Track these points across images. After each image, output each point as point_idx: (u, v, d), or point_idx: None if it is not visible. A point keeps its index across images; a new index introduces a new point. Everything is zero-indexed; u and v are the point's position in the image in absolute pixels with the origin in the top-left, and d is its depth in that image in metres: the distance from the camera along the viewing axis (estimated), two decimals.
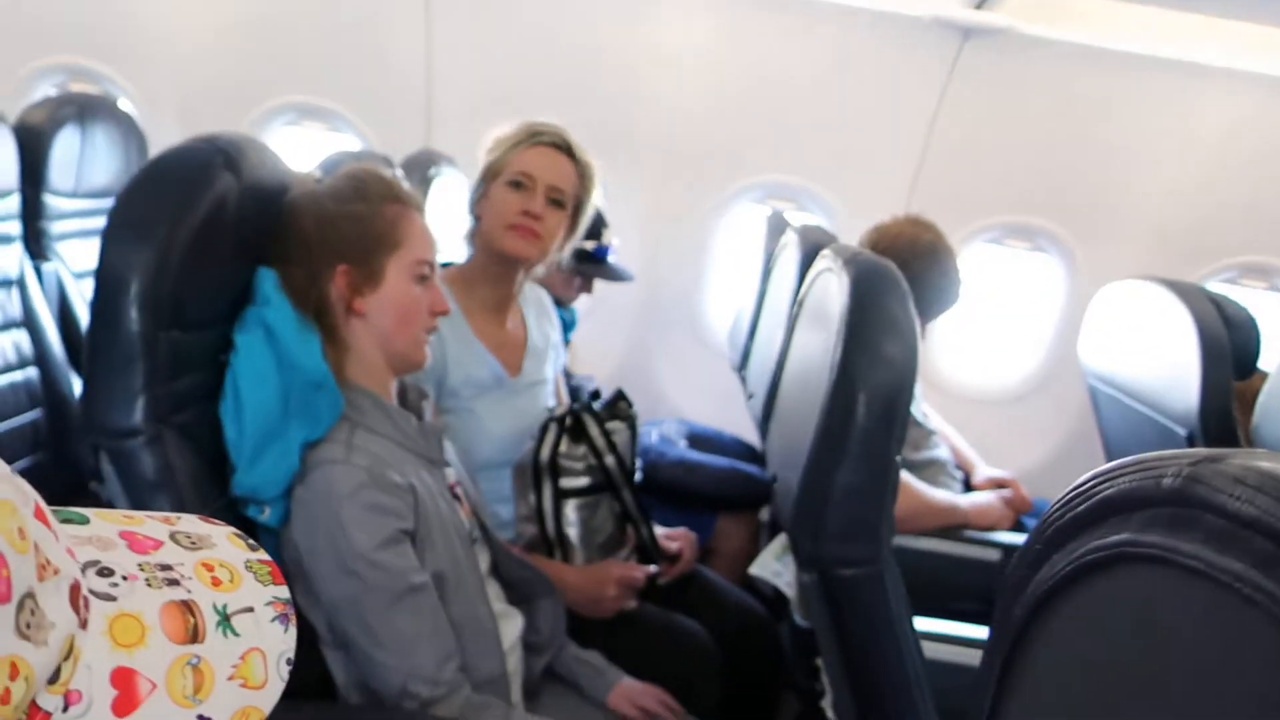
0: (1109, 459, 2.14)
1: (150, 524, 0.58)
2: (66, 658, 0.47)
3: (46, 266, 2.44)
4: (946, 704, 1.32)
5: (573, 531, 1.81)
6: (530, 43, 3.35)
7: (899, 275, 1.35)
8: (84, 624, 0.49)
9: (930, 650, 1.42)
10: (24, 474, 0.50)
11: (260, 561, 0.59)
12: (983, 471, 2.56)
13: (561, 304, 2.34)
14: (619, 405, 1.93)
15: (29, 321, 2.24)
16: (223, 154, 1.29)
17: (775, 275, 2.30)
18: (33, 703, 0.46)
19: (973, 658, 1.62)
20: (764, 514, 2.78)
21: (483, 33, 3.36)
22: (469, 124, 2.89)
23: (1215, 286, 3.24)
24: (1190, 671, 0.43)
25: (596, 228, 2.43)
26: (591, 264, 2.51)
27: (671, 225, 3.53)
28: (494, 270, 1.85)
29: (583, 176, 1.84)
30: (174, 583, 0.54)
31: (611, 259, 2.58)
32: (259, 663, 0.54)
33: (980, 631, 1.67)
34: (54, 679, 0.47)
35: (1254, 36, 2.94)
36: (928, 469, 2.39)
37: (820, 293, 1.49)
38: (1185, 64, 3.02)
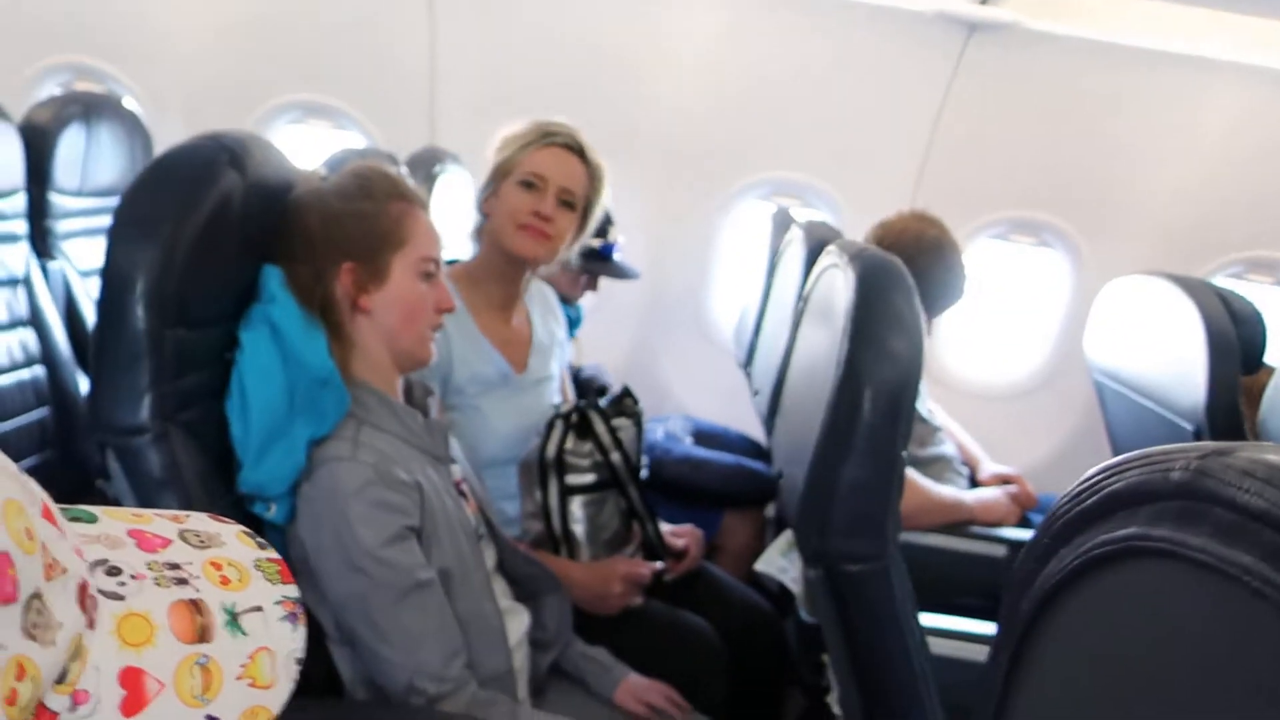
0: (1115, 454, 2.13)
1: (159, 522, 0.58)
2: (74, 657, 0.47)
3: (52, 265, 2.45)
4: (952, 699, 1.32)
5: (579, 528, 1.81)
6: (534, 40, 3.35)
7: (904, 271, 1.35)
8: (92, 624, 0.49)
9: (936, 646, 1.41)
10: (31, 472, 0.50)
11: (269, 560, 0.59)
12: (988, 467, 2.55)
13: (567, 301, 2.34)
14: (625, 402, 1.92)
15: (35, 320, 2.24)
16: (228, 152, 1.29)
17: (780, 271, 2.30)
18: (40, 703, 0.46)
19: (978, 653, 1.62)
20: (769, 510, 2.79)
21: (487, 31, 3.36)
22: (473, 122, 2.90)
23: (1221, 282, 3.23)
24: (1198, 665, 0.43)
25: (603, 226, 2.43)
26: (597, 262, 2.51)
27: (676, 222, 3.53)
28: (501, 268, 1.85)
29: (593, 178, 1.84)
30: (182, 582, 0.54)
31: (617, 256, 2.58)
32: (268, 662, 0.54)
33: (986, 627, 1.67)
34: (61, 679, 0.47)
35: (1260, 30, 2.93)
36: (933, 465, 2.39)
37: (826, 289, 1.49)
38: (1191, 58, 3.02)
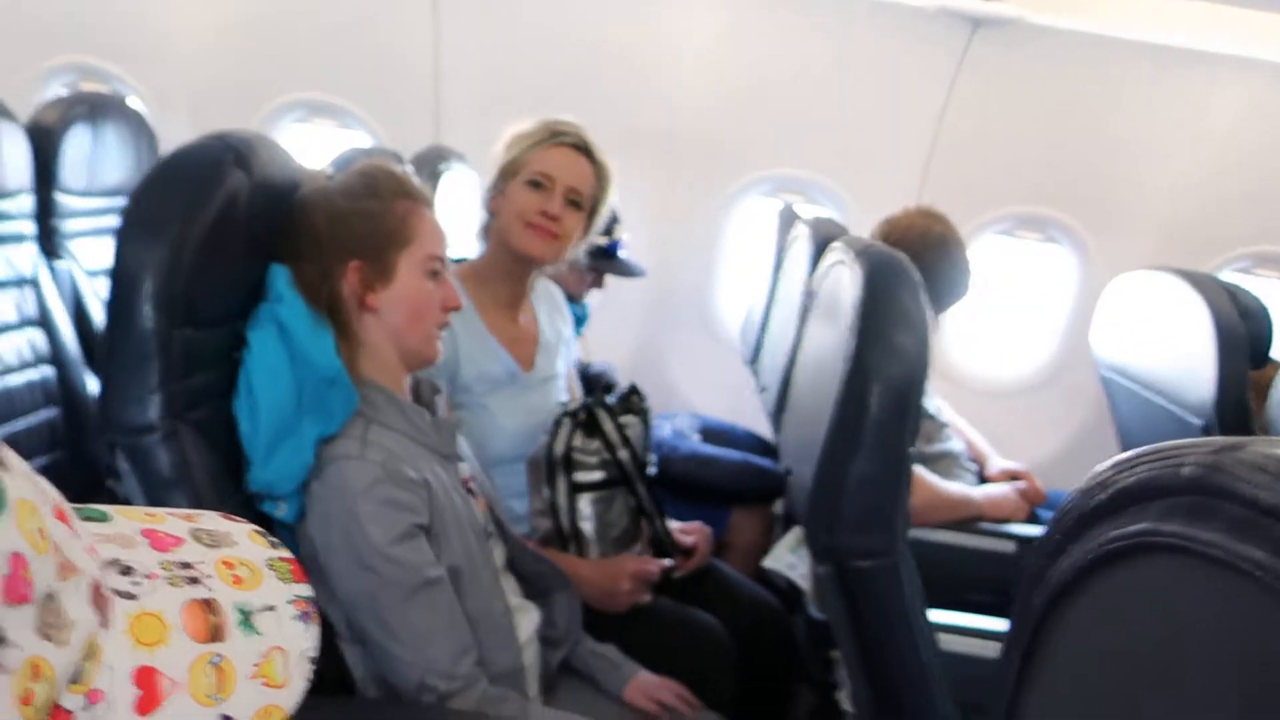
0: (1123, 450, 2.13)
1: (171, 521, 0.58)
2: (88, 657, 0.47)
3: (60, 265, 2.45)
4: (962, 695, 1.32)
5: (587, 526, 1.81)
6: (538, 39, 3.35)
7: (911, 267, 1.35)
8: (106, 623, 0.49)
9: (945, 642, 1.41)
10: (41, 472, 0.50)
11: (282, 559, 0.59)
12: (996, 463, 2.55)
13: (574, 300, 2.34)
14: (632, 399, 1.93)
15: (44, 320, 2.25)
16: (233, 151, 1.29)
17: (786, 268, 2.30)
18: (55, 703, 0.46)
19: (988, 649, 1.62)
20: (777, 507, 2.78)
21: (491, 29, 3.36)
22: (478, 120, 2.90)
23: (1228, 276, 3.23)
24: (1210, 660, 0.43)
25: (609, 224, 2.43)
26: (603, 260, 2.51)
27: (682, 220, 3.53)
28: (508, 267, 1.85)
29: (600, 178, 1.85)
30: (195, 581, 0.54)
31: (623, 254, 2.59)
32: (281, 661, 0.54)
33: (995, 623, 1.67)
34: (76, 678, 0.47)
35: (1264, 24, 2.92)
36: (941, 461, 2.38)
37: (832, 285, 1.49)
38: (1196, 53, 3.01)
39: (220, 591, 0.54)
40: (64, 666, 0.46)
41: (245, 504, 1.33)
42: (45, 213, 2.39)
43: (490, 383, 1.82)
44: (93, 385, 2.30)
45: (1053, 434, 3.51)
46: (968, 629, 1.64)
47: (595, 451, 1.83)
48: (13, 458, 0.47)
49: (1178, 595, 0.45)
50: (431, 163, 2.47)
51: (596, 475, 1.83)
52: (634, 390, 1.95)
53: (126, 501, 1.27)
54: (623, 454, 1.84)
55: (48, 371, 2.23)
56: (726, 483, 2.73)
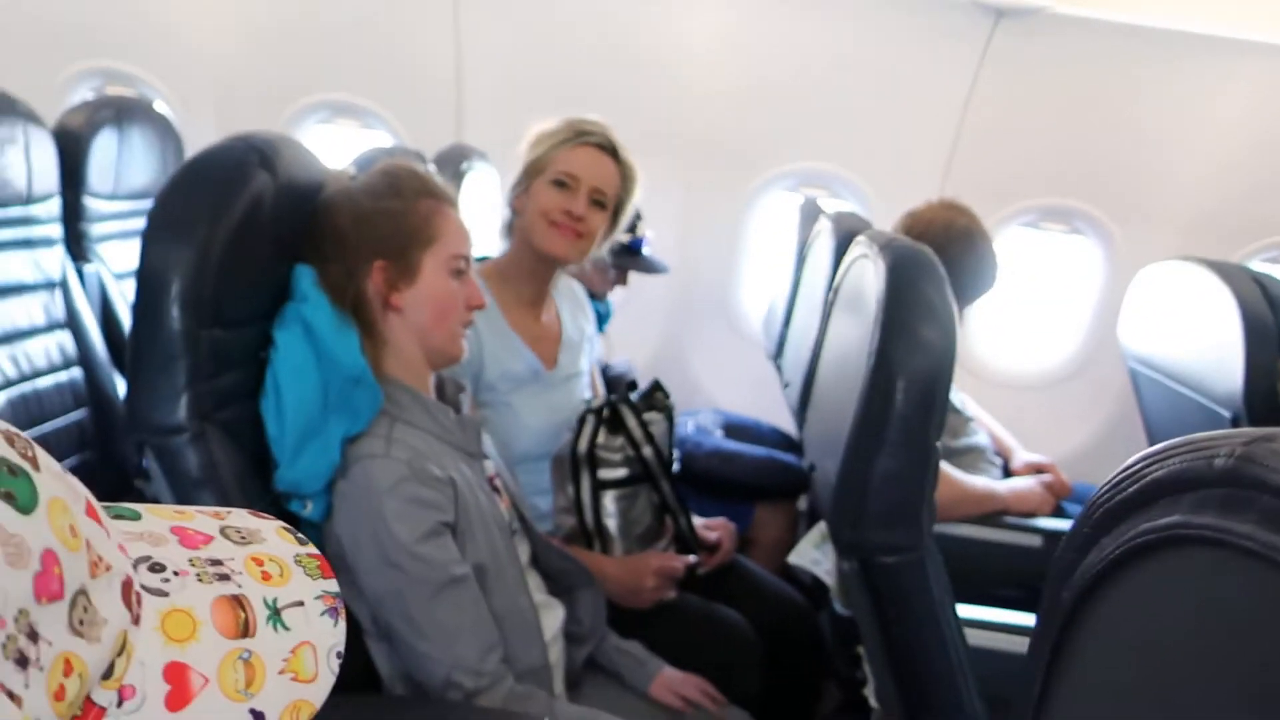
0: (1151, 442, 2.11)
1: (200, 519, 0.59)
2: (120, 653, 0.48)
3: (88, 268, 2.48)
4: (989, 691, 1.31)
5: (611, 523, 1.82)
6: (558, 37, 3.36)
7: (935, 261, 1.34)
8: (136, 620, 0.49)
9: (972, 637, 1.40)
10: (70, 473, 0.51)
11: (309, 556, 0.60)
12: (1021, 456, 2.53)
13: (596, 297, 2.34)
14: (656, 396, 1.93)
15: (72, 323, 2.27)
16: (258, 153, 1.30)
17: (809, 263, 2.29)
18: (87, 698, 0.46)
19: (1015, 644, 1.61)
20: (802, 503, 2.78)
21: (511, 29, 3.37)
22: (499, 119, 2.90)
23: (1257, 266, 3.19)
24: (1245, 653, 0.43)
25: (632, 221, 2.43)
26: (627, 256, 2.51)
27: (704, 215, 3.52)
28: (532, 266, 1.86)
29: (625, 177, 1.85)
30: (225, 578, 0.55)
31: (646, 251, 2.58)
32: (310, 656, 0.54)
33: (1022, 618, 1.66)
34: (108, 674, 0.47)
35: None
36: (967, 455, 2.37)
37: (856, 279, 1.48)
38: (1218, 39, 2.97)
39: (249, 587, 0.55)
40: (96, 662, 0.46)
41: (272, 503, 1.34)
42: (73, 216, 2.41)
43: (514, 381, 1.82)
44: (121, 387, 2.32)
45: (1079, 427, 3.48)
46: (994, 624, 1.63)
47: (619, 448, 1.83)
48: (44, 456, 0.47)
49: (1210, 588, 0.45)
50: (454, 162, 2.48)
51: (620, 472, 1.83)
52: (657, 387, 1.95)
53: (155, 501, 1.28)
54: (646, 451, 1.84)
55: (76, 374, 2.25)
56: (750, 479, 2.73)
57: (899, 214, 2.39)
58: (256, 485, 1.33)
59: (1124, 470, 0.51)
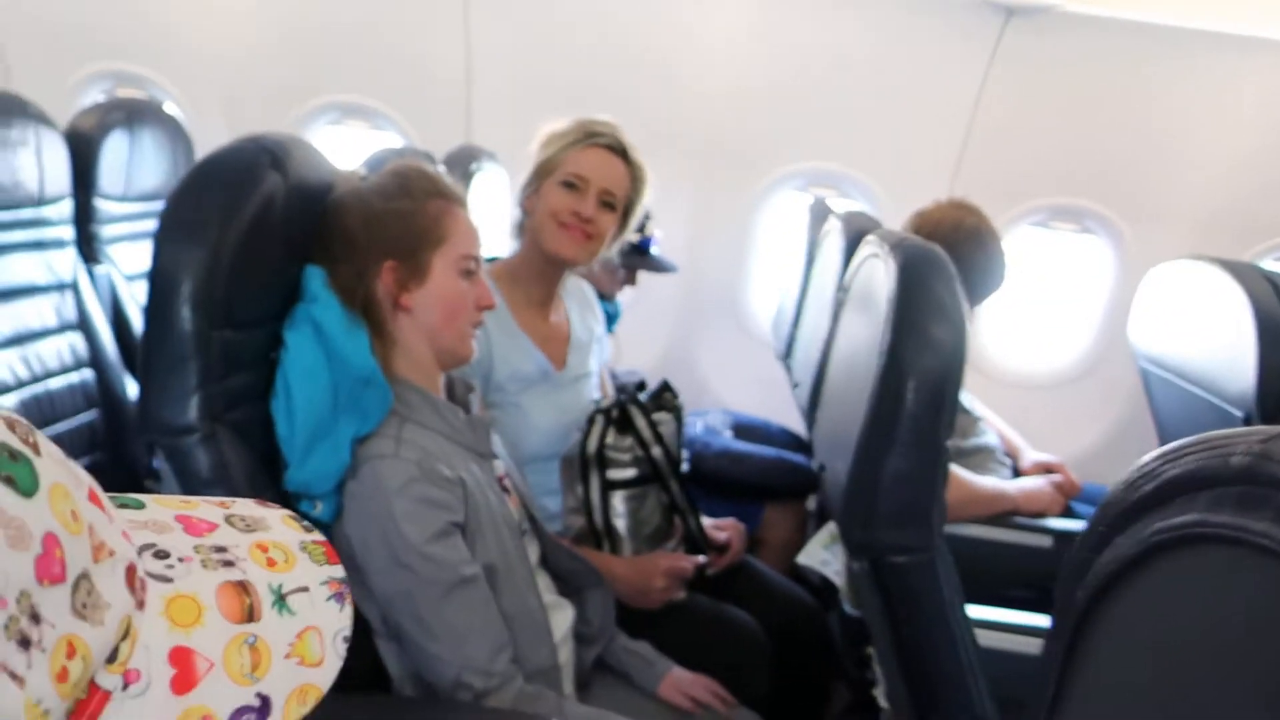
0: (1162, 442, 2.10)
1: (205, 508, 0.59)
2: (124, 638, 0.48)
3: (99, 269, 2.49)
4: (1000, 691, 1.31)
5: (620, 523, 1.82)
6: (567, 38, 3.36)
7: (946, 260, 1.34)
8: (141, 605, 0.50)
9: (982, 638, 1.40)
10: None
11: (315, 543, 0.60)
12: (1030, 456, 2.52)
13: (605, 298, 2.34)
14: (664, 396, 1.93)
15: (84, 324, 2.28)
16: (269, 154, 1.30)
17: (819, 262, 2.29)
18: (92, 681, 0.47)
19: (1025, 645, 1.60)
20: (811, 503, 2.78)
21: (520, 29, 3.37)
22: (509, 119, 2.91)
23: (1269, 265, 3.18)
24: (1262, 651, 0.42)
25: (640, 221, 2.43)
26: (636, 256, 2.51)
27: (713, 215, 3.52)
28: (541, 267, 1.86)
29: (635, 178, 1.84)
30: (229, 564, 0.55)
31: (655, 250, 2.59)
32: (316, 641, 0.54)
33: (1032, 618, 1.65)
34: (112, 658, 0.48)
35: None
36: (976, 456, 2.36)
37: (866, 279, 1.48)
38: (1228, 36, 2.96)
39: (254, 573, 0.55)
40: (99, 646, 0.46)
41: (283, 504, 1.34)
42: (84, 218, 2.42)
43: (523, 381, 1.82)
44: (131, 388, 2.33)
45: (1089, 427, 3.47)
46: (1005, 624, 1.63)
47: (628, 449, 1.83)
48: (45, 443, 0.48)
49: (1227, 586, 0.45)
50: (463, 162, 2.48)
51: (629, 472, 1.83)
52: (666, 387, 1.95)
53: None
54: (656, 451, 1.84)
55: (87, 375, 2.26)
56: (759, 479, 2.73)
57: (908, 213, 2.39)
58: (267, 485, 1.33)
59: (1139, 469, 0.51)
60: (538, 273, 1.87)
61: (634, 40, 3.31)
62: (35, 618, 0.43)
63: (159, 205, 2.63)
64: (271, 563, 0.56)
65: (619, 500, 1.81)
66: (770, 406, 3.27)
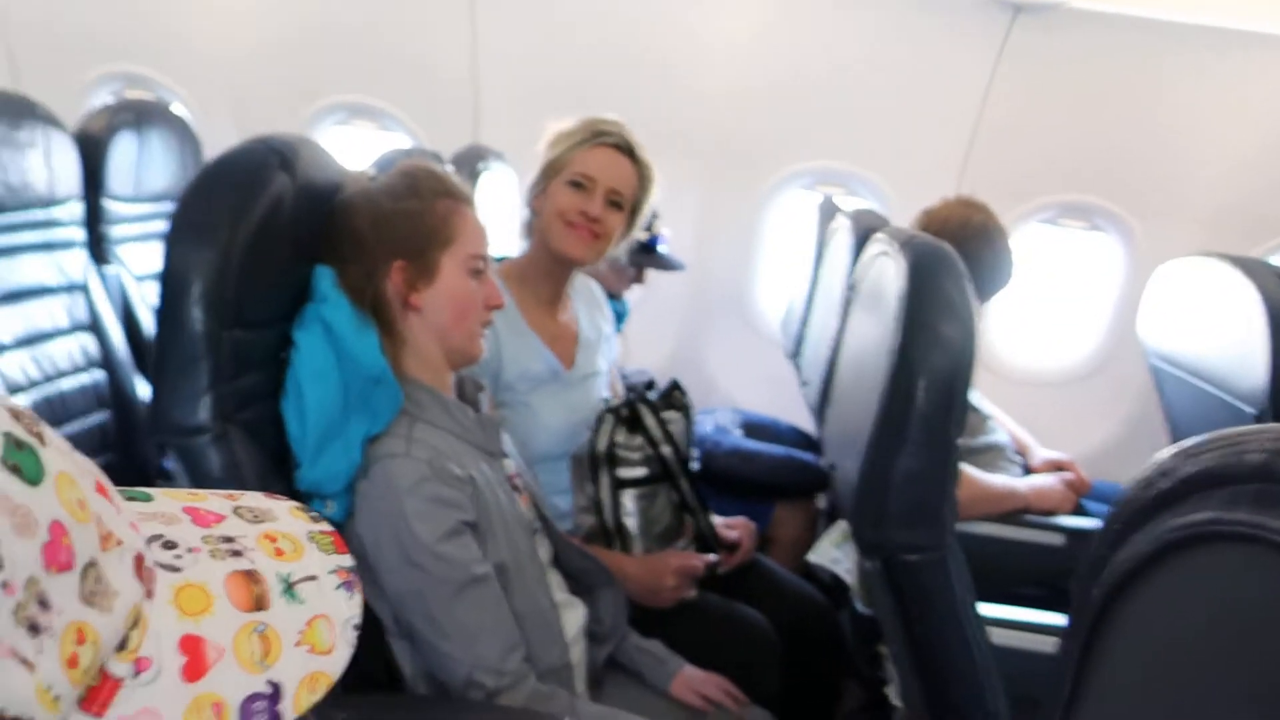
0: (1173, 439, 2.09)
1: (213, 500, 0.60)
2: (134, 626, 0.48)
3: (109, 270, 2.50)
4: (1013, 689, 1.31)
5: (631, 521, 1.82)
6: (573, 38, 3.36)
7: (956, 257, 1.34)
8: (150, 594, 0.50)
9: (994, 636, 1.40)
10: None
11: (323, 533, 0.60)
12: (1040, 454, 2.52)
13: (614, 296, 2.34)
14: (674, 395, 1.92)
15: (94, 325, 2.29)
16: (278, 155, 1.30)
17: (827, 260, 2.29)
18: (103, 669, 0.47)
19: (1038, 643, 1.60)
20: (821, 501, 2.77)
21: (527, 30, 3.38)
22: (516, 119, 2.91)
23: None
24: None
25: (648, 219, 2.42)
26: (644, 254, 2.51)
27: (721, 214, 3.52)
28: (549, 266, 1.86)
29: (642, 178, 1.84)
30: (237, 554, 0.55)
31: (662, 249, 2.58)
32: (325, 629, 0.55)
33: (1045, 616, 1.65)
34: (123, 646, 0.48)
35: None
36: (986, 454, 2.36)
37: (875, 277, 1.48)
38: (1237, 33, 2.95)
39: (262, 563, 0.55)
40: (109, 632, 0.47)
41: None
42: (94, 219, 2.43)
43: (532, 381, 1.82)
44: (142, 389, 2.34)
45: (1099, 425, 3.46)
46: (1017, 622, 1.62)
47: (638, 447, 1.83)
48: (51, 434, 0.48)
49: (1245, 584, 0.44)
50: (471, 162, 2.49)
51: (639, 471, 1.83)
52: (676, 386, 1.95)
53: None
54: (665, 450, 1.84)
55: (98, 375, 2.27)
56: (769, 478, 2.73)
57: (916, 211, 2.39)
58: (278, 485, 1.33)
59: (1155, 466, 0.50)
60: (546, 272, 1.87)
61: (642, 39, 3.31)
62: (44, 604, 0.43)
63: (168, 206, 2.65)
64: (280, 552, 0.57)
65: (629, 499, 1.81)
66: (779, 405, 3.27)
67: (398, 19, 3.42)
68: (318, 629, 0.54)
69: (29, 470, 0.44)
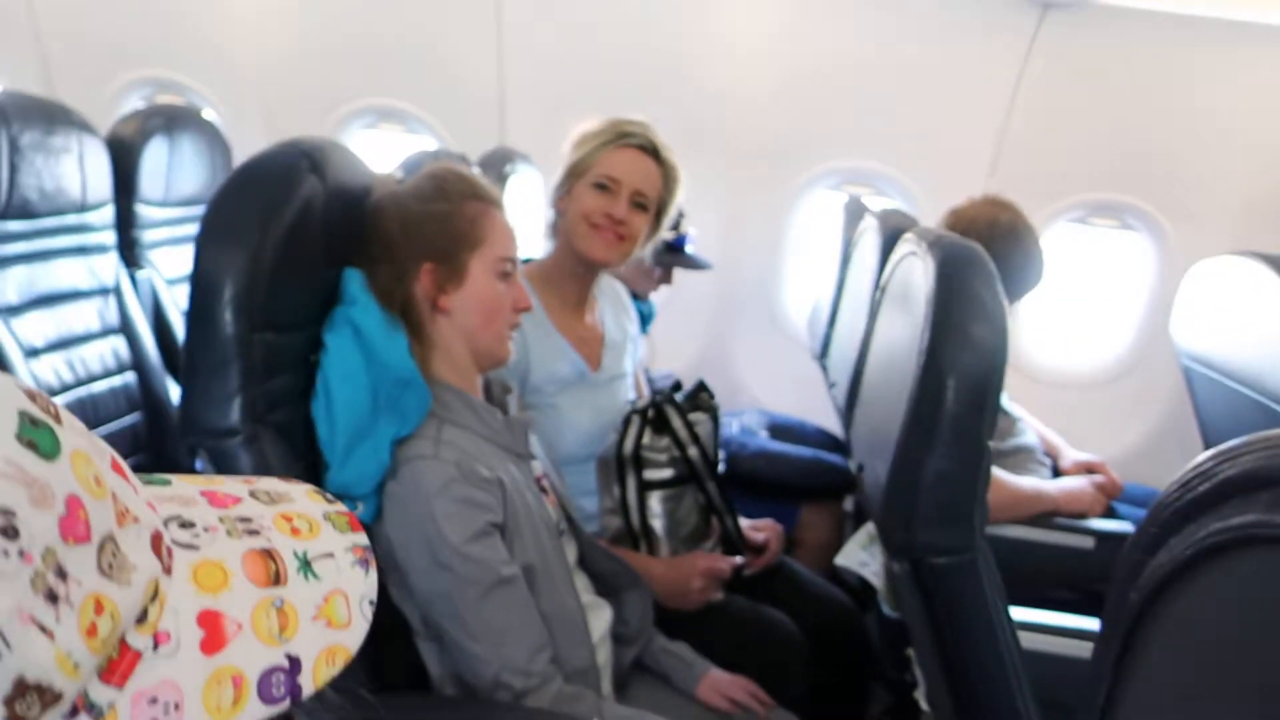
0: (1208, 442, 2.07)
1: (230, 484, 0.61)
2: (152, 601, 0.49)
3: (140, 274, 2.52)
4: (1043, 694, 1.29)
5: (657, 523, 1.81)
6: (599, 40, 3.37)
7: (986, 257, 1.33)
8: (168, 570, 0.51)
9: (1024, 640, 1.38)
10: None
11: (338, 513, 0.61)
12: (1070, 456, 2.49)
13: (638, 297, 2.34)
14: (700, 396, 1.92)
15: (126, 328, 2.31)
16: (307, 158, 1.31)
17: (855, 261, 2.28)
18: (123, 641, 0.48)
19: (1068, 647, 1.58)
20: (847, 504, 2.76)
21: (552, 32, 3.38)
22: (542, 121, 2.91)
23: None
24: None
25: (675, 219, 2.42)
26: (670, 254, 2.51)
27: (747, 214, 3.51)
28: (574, 268, 1.86)
29: (667, 178, 1.84)
30: (254, 533, 0.56)
31: (689, 248, 2.58)
32: (342, 604, 0.55)
33: (1076, 620, 1.63)
34: (142, 620, 0.49)
35: None
36: (1015, 456, 2.34)
37: (904, 277, 1.47)
38: (1271, 28, 2.91)
39: (279, 541, 0.56)
40: (127, 605, 0.47)
41: None
42: (125, 223, 2.46)
43: (559, 383, 1.82)
44: (173, 391, 2.36)
45: (1130, 427, 3.43)
46: (1048, 626, 1.61)
47: (664, 449, 1.83)
48: (67, 415, 0.49)
49: None
50: (497, 164, 2.49)
51: (666, 473, 1.82)
52: (702, 387, 1.95)
53: None
54: (692, 451, 1.84)
55: (130, 378, 2.29)
56: (795, 479, 2.72)
57: (944, 211, 2.37)
58: None
59: (1194, 469, 0.50)
60: (571, 274, 1.87)
61: (667, 41, 3.31)
62: (62, 574, 0.44)
63: (198, 210, 2.67)
64: (296, 531, 0.58)
65: (656, 501, 1.81)
66: (805, 406, 3.26)
67: (424, 22, 3.44)
68: (334, 604, 0.55)
69: (45, 446, 0.45)
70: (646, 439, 1.81)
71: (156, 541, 0.51)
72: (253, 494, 0.61)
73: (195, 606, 0.51)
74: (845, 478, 2.69)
